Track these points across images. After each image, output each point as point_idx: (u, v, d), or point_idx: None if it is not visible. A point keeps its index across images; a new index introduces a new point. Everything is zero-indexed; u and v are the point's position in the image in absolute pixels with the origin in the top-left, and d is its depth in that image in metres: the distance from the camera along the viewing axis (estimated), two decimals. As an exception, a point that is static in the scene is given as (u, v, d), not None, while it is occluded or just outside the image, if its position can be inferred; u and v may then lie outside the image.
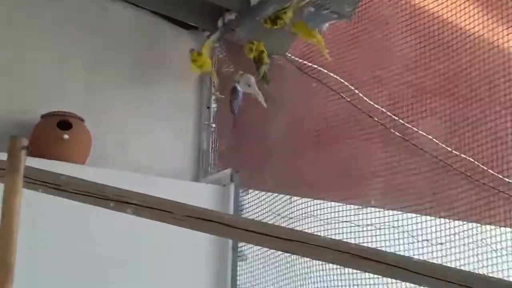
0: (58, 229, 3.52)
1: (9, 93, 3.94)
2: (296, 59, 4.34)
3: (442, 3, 3.80)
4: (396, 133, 4.16)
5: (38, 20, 4.16)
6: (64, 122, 3.79)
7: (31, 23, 4.14)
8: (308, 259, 3.58)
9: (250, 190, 4.17)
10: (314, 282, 3.63)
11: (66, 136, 3.71)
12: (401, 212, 3.56)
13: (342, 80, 4.24)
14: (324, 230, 3.63)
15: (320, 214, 3.77)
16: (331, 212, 3.73)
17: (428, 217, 3.45)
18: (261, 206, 4.07)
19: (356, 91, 4.23)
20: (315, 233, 3.44)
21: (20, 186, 2.24)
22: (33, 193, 2.66)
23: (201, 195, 4.03)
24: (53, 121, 3.78)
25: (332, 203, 3.78)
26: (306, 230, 3.66)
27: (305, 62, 4.28)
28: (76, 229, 3.56)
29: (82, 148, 3.85)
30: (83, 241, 3.60)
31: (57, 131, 3.74)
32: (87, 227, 3.56)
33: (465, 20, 3.68)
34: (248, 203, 4.15)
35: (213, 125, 4.55)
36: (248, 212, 4.12)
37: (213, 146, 4.53)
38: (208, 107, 4.58)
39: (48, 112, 3.83)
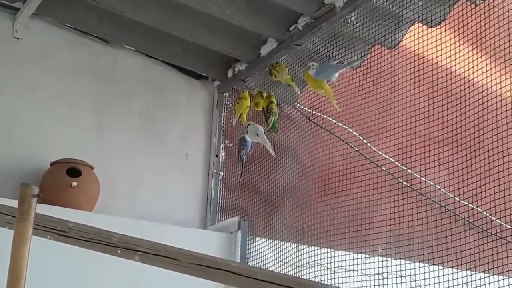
0: (66, 275, 3.52)
1: (19, 140, 3.99)
2: (305, 108, 4.37)
3: (451, 55, 3.84)
4: (404, 182, 4.17)
5: (49, 66, 4.23)
6: (73, 169, 3.82)
7: (42, 69, 4.20)
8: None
9: (257, 238, 4.17)
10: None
11: (74, 184, 3.74)
12: (409, 261, 3.54)
13: (350, 130, 4.27)
14: (331, 279, 3.61)
15: (328, 263, 3.75)
16: (338, 261, 3.72)
17: (437, 267, 3.43)
18: (268, 254, 4.06)
19: (364, 141, 4.25)
20: (322, 282, 3.43)
21: (30, 233, 2.25)
22: (42, 239, 2.67)
23: (208, 243, 4.03)
24: (62, 168, 3.81)
25: (339, 251, 3.76)
26: (313, 279, 3.66)
27: (313, 111, 4.31)
28: (84, 276, 3.56)
29: (91, 195, 3.87)
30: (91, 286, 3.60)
31: (66, 178, 3.77)
32: (95, 274, 3.56)
33: (473, 72, 3.71)
34: (255, 251, 4.14)
35: (221, 173, 4.58)
36: (255, 260, 4.10)
37: (221, 194, 4.55)
38: (216, 155, 4.61)
39: (58, 159, 3.86)
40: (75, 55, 4.35)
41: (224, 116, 4.70)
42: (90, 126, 4.28)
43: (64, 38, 4.33)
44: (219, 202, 4.53)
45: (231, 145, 4.60)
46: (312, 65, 3.92)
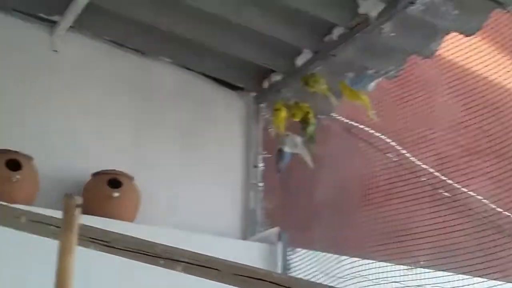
0: (109, 285, 3.54)
1: (60, 151, 4.03)
2: (342, 119, 4.35)
3: (488, 64, 3.81)
4: (444, 193, 4.12)
5: (87, 78, 4.28)
6: (114, 181, 3.85)
7: (79, 81, 4.25)
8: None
9: (298, 249, 4.15)
10: None
11: (116, 194, 3.76)
12: (452, 273, 3.50)
13: (389, 140, 4.24)
14: (371, 291, 3.60)
15: (368, 274, 3.73)
16: (379, 272, 3.69)
17: (480, 279, 3.39)
18: (308, 265, 4.04)
19: (403, 151, 4.22)
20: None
21: (75, 244, 2.26)
22: (85, 250, 2.69)
23: (248, 254, 4.02)
24: (104, 179, 3.84)
25: (381, 263, 3.73)
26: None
27: (351, 122, 4.29)
28: (128, 286, 3.57)
29: (132, 206, 3.89)
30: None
31: (107, 189, 3.80)
32: (137, 285, 3.57)
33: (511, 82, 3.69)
34: (296, 262, 4.13)
35: (260, 184, 4.58)
36: (295, 271, 4.09)
37: (260, 205, 4.54)
38: (255, 166, 4.61)
39: (99, 170, 3.89)
40: (112, 67, 4.39)
41: (261, 127, 4.70)
42: (129, 137, 4.31)
43: (101, 50, 4.37)
44: (258, 213, 4.52)
45: (269, 156, 4.59)
46: (349, 75, 3.92)
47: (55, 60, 4.22)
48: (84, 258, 2.48)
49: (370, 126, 4.29)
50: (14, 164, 3.61)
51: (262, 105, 4.75)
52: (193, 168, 4.45)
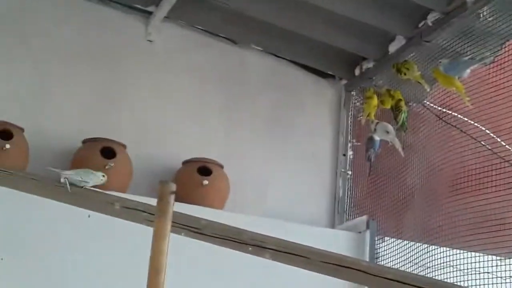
0: (199, 271, 3.62)
1: (152, 139, 4.13)
2: (435, 106, 4.27)
3: None
4: (540, 182, 3.99)
5: (180, 67, 4.36)
6: (204, 168, 3.92)
7: (172, 70, 4.33)
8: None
9: (386, 238, 4.12)
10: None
11: (206, 182, 3.83)
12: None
13: (483, 128, 4.13)
14: (464, 281, 3.52)
15: (459, 264, 3.66)
16: (471, 263, 3.62)
17: None
18: (397, 254, 4.00)
19: (498, 139, 4.11)
20: (456, 284, 3.35)
21: (169, 230, 2.31)
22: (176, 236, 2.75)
23: (336, 242, 4.01)
24: (194, 167, 3.91)
25: (472, 253, 3.66)
26: (445, 280, 3.58)
27: (444, 109, 4.21)
28: (218, 272, 3.64)
29: (221, 193, 3.95)
30: (221, 282, 3.68)
31: (197, 177, 3.87)
32: (227, 270, 3.64)
33: None
34: (384, 251, 4.10)
35: (349, 172, 4.56)
36: (384, 260, 4.06)
37: (349, 193, 4.53)
38: (344, 155, 4.60)
39: (189, 158, 3.97)
40: (205, 56, 4.46)
41: (351, 114, 4.67)
42: (218, 125, 4.38)
43: (194, 40, 4.45)
44: (347, 201, 4.51)
45: (359, 144, 4.57)
46: (443, 61, 3.84)
47: (150, 50, 4.32)
48: (175, 244, 2.54)
49: (464, 113, 4.19)
50: (109, 151, 3.71)
51: (352, 92, 4.73)
52: (282, 156, 4.48)
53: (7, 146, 3.43)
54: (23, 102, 3.88)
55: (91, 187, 2.80)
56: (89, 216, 3.34)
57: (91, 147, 3.71)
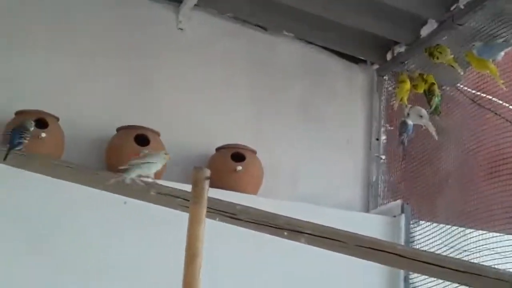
0: (234, 256, 3.65)
1: (185, 126, 4.15)
2: (468, 90, 4.24)
3: None
4: None
5: (210, 55, 4.37)
6: (238, 154, 3.93)
7: (203, 58, 4.35)
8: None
9: (421, 222, 4.11)
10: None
11: (239, 168, 3.84)
12: None
13: (518, 111, 4.09)
14: (500, 264, 3.49)
15: (496, 248, 3.64)
16: (508, 245, 3.59)
17: None
18: (432, 238, 3.99)
19: (533, 122, 4.07)
20: (492, 266, 3.32)
21: (204, 215, 2.32)
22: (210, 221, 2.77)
23: (370, 226, 4.01)
24: (227, 153, 3.93)
25: (509, 236, 3.63)
26: (482, 263, 3.55)
27: (478, 92, 4.17)
28: (252, 256, 3.66)
29: (255, 179, 3.96)
30: (256, 267, 3.70)
31: (231, 163, 3.88)
32: (260, 255, 3.66)
33: None
34: (419, 234, 4.08)
35: (383, 157, 4.55)
36: (419, 243, 4.04)
37: (382, 177, 4.52)
38: (377, 139, 4.58)
39: (223, 144, 3.99)
40: (235, 44, 4.47)
41: (384, 99, 4.65)
42: (250, 111, 4.39)
43: (224, 28, 4.46)
44: (381, 186, 4.50)
45: (391, 128, 4.55)
46: (476, 44, 3.81)
47: (180, 38, 4.34)
48: (210, 229, 2.55)
49: (498, 96, 4.15)
50: (143, 139, 3.74)
51: (384, 77, 4.70)
52: (315, 141, 4.48)
53: (43, 134, 3.48)
54: (58, 91, 3.92)
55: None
56: (125, 203, 3.37)
57: (125, 134, 3.74)
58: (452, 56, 3.99)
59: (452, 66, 4.02)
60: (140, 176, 2.85)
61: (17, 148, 3.07)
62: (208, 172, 2.43)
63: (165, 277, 3.19)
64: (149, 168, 2.89)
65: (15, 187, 3.34)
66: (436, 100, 4.06)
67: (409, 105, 4.13)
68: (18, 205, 3.37)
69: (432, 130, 4.04)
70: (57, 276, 3.33)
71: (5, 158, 3.04)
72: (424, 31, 4.24)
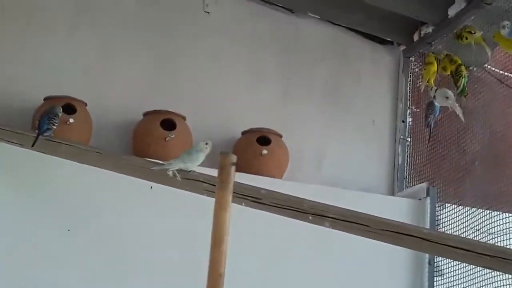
0: (261, 241, 3.67)
1: (210, 110, 4.16)
2: (496, 70, 4.19)
3: None
4: None
5: (235, 38, 4.37)
6: (263, 138, 3.93)
7: (228, 41, 4.35)
8: (511, 276, 3.45)
9: (447, 205, 4.08)
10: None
11: (265, 152, 3.85)
12: None
13: (546, 91, 4.05)
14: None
15: (523, 231, 3.62)
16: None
17: None
18: (458, 221, 3.97)
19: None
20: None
21: (230, 200, 2.34)
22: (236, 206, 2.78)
23: (396, 209, 3.99)
24: (253, 137, 3.93)
25: (536, 218, 3.62)
26: (509, 247, 3.54)
27: (506, 73, 4.13)
28: (276, 241, 3.69)
29: (280, 163, 3.97)
30: (280, 252, 3.72)
31: (256, 146, 3.88)
32: (284, 239, 3.67)
33: None
34: (445, 217, 4.06)
35: (408, 139, 4.53)
36: (445, 227, 4.02)
37: (408, 160, 4.50)
38: (403, 121, 4.56)
39: (248, 128, 4.00)
40: (261, 26, 4.46)
41: (410, 81, 4.62)
42: (276, 95, 4.38)
43: (249, 10, 4.45)
44: (406, 168, 4.48)
45: (417, 110, 4.52)
46: (506, 24, 3.76)
47: (206, 21, 4.34)
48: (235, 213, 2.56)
49: (527, 77, 4.11)
50: (169, 123, 3.76)
51: (411, 58, 4.67)
52: (341, 124, 4.47)
53: (71, 120, 3.51)
54: (85, 77, 3.95)
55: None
56: (151, 188, 3.41)
57: (152, 119, 3.76)
58: (481, 33, 3.94)
59: (480, 46, 3.97)
60: (180, 170, 2.89)
61: (45, 134, 3.13)
62: (234, 158, 2.45)
63: (191, 261, 3.24)
64: (192, 163, 2.93)
65: (42, 171, 3.39)
66: (463, 81, 4.01)
67: (436, 87, 4.09)
68: (45, 189, 3.42)
69: (459, 111, 4.01)
70: (82, 259, 3.37)
71: (33, 145, 3.10)
72: (452, 11, 4.19)
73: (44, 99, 3.62)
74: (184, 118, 3.85)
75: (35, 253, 3.30)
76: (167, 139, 3.66)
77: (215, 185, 2.41)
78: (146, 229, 3.50)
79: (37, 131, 3.13)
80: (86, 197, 3.46)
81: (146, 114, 3.83)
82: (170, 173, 2.89)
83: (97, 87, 3.95)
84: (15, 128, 3.24)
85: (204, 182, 2.92)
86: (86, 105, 3.71)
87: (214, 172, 2.56)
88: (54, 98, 3.57)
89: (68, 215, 3.40)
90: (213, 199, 2.35)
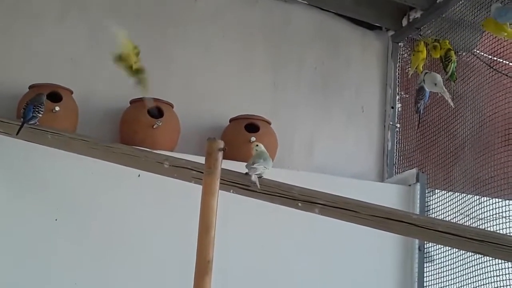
0: (250, 228, 3.65)
1: (199, 97, 4.13)
2: (485, 55, 4.18)
3: None
4: None
5: (225, 25, 4.33)
6: (252, 125, 3.91)
7: (218, 28, 4.31)
8: (500, 261, 3.45)
9: (437, 190, 4.09)
10: (507, 286, 3.49)
11: (253, 139, 3.81)
12: None
13: (536, 75, 4.04)
14: (516, 231, 3.49)
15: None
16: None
17: None
18: (448, 206, 3.97)
19: (551, 87, 4.02)
20: (508, 234, 3.32)
21: (217, 187, 2.33)
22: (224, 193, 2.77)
23: (385, 195, 4.00)
24: (241, 124, 3.90)
25: (525, 203, 3.62)
26: (498, 232, 3.54)
27: (495, 58, 4.12)
28: (265, 227, 3.67)
29: (269, 150, 3.89)
30: (269, 238, 3.71)
31: (245, 133, 3.85)
32: (273, 225, 3.66)
33: None
34: (435, 203, 4.06)
35: (398, 125, 4.52)
36: (434, 212, 4.03)
37: (397, 146, 4.50)
38: (392, 107, 4.55)
39: (236, 115, 3.97)
40: (250, 13, 4.43)
41: (399, 66, 4.62)
42: (265, 81, 4.36)
43: (238, -3, 4.42)
44: (396, 155, 4.49)
45: (407, 96, 4.52)
46: (495, 6, 3.74)
47: (196, 8, 4.29)
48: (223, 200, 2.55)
49: (515, 61, 4.10)
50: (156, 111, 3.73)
51: (400, 44, 4.66)
52: (330, 110, 4.45)
53: (57, 108, 3.47)
54: (73, 65, 3.91)
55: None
56: (139, 176, 3.39)
57: (139, 107, 3.72)
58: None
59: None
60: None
61: (31, 122, 3.10)
62: (222, 143, 2.44)
63: (179, 248, 3.22)
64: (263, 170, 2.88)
65: (29, 160, 3.36)
66: (452, 66, 4.01)
67: (425, 71, 4.08)
68: (32, 178, 3.39)
69: (448, 97, 4.00)
70: (70, 248, 3.35)
71: (17, 133, 3.07)
72: (440, -5, 4.19)
73: (29, 87, 3.58)
74: (172, 105, 3.82)
75: (22, 243, 3.27)
76: (154, 126, 3.63)
77: (203, 172, 2.39)
78: (134, 217, 3.47)
79: (22, 119, 3.10)
80: (73, 186, 3.43)
81: (133, 101, 3.79)
82: (253, 178, 2.82)
83: (84, 75, 3.91)
84: (1, 117, 3.21)
85: (192, 170, 2.89)
86: (72, 93, 3.67)
87: (202, 160, 2.55)
88: (39, 86, 3.52)
89: (55, 204, 3.37)
90: (201, 187, 2.34)
